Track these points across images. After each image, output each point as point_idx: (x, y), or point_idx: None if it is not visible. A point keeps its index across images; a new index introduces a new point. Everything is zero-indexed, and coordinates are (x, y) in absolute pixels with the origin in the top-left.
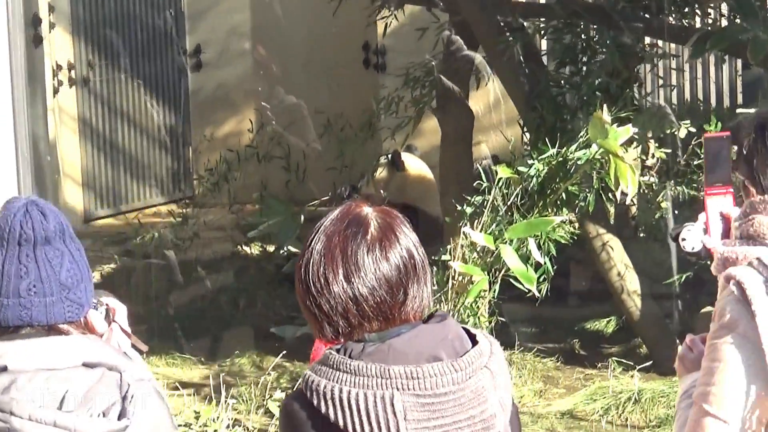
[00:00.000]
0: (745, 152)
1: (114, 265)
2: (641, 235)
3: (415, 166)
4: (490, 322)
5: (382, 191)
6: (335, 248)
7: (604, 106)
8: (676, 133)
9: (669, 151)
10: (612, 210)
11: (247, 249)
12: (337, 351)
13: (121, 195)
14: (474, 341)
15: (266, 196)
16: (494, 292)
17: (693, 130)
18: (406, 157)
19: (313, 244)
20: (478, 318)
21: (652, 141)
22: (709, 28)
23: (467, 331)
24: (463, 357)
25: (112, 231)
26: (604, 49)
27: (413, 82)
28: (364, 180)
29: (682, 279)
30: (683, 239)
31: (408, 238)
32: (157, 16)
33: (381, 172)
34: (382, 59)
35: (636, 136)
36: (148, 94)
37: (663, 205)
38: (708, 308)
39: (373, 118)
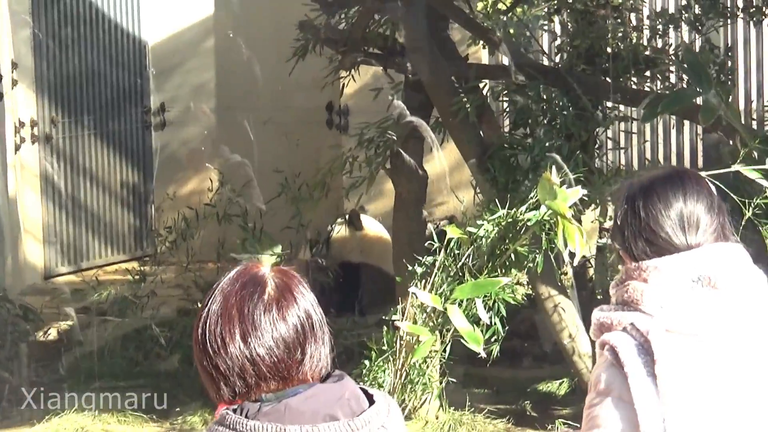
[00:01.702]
0: (618, 223)
1: (71, 322)
2: (599, 297)
3: (372, 226)
4: (440, 383)
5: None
6: (232, 308)
7: (553, 167)
8: None
9: None
10: (569, 271)
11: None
12: (234, 411)
13: (82, 252)
14: (371, 401)
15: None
16: (445, 352)
17: None
18: (363, 217)
19: (209, 304)
20: (428, 378)
21: (610, 203)
22: (664, 92)
23: (365, 391)
24: (359, 416)
25: (71, 288)
26: (564, 112)
27: (367, 143)
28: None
29: None
30: (600, 308)
31: (306, 298)
32: (121, 74)
33: (339, 232)
34: (345, 119)
35: (586, 198)
36: (112, 152)
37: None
38: None
39: (327, 178)
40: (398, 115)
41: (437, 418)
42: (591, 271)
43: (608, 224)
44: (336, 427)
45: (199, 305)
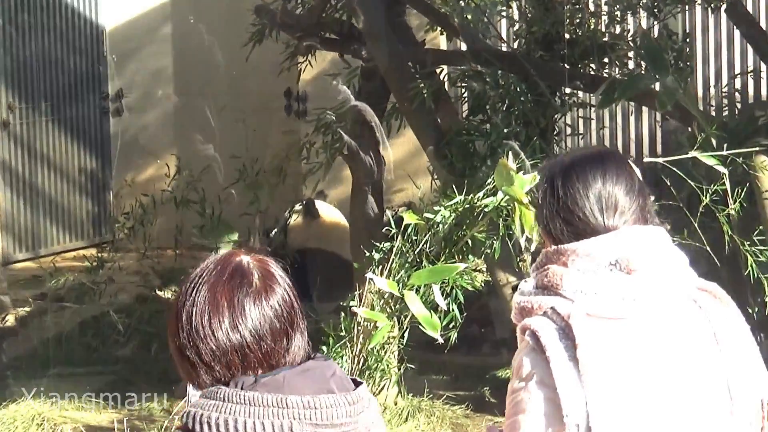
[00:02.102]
0: (539, 202)
1: (28, 309)
2: None
3: (329, 213)
4: (399, 369)
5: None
6: (221, 298)
7: (510, 153)
8: None
9: None
10: (528, 257)
11: (161, 293)
12: (225, 385)
13: (40, 238)
14: (354, 381)
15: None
16: (403, 338)
17: None
18: (320, 204)
19: (192, 293)
20: (386, 365)
21: None
22: (623, 78)
23: None
24: (353, 392)
25: (29, 274)
26: (521, 98)
27: (324, 129)
28: (279, 227)
29: None
30: (521, 291)
31: (285, 283)
32: (78, 60)
33: (296, 219)
34: (303, 105)
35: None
36: (69, 138)
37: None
38: None
39: (284, 164)
40: (343, 101)
41: (396, 405)
42: None
43: None
44: (335, 399)
45: (162, 292)
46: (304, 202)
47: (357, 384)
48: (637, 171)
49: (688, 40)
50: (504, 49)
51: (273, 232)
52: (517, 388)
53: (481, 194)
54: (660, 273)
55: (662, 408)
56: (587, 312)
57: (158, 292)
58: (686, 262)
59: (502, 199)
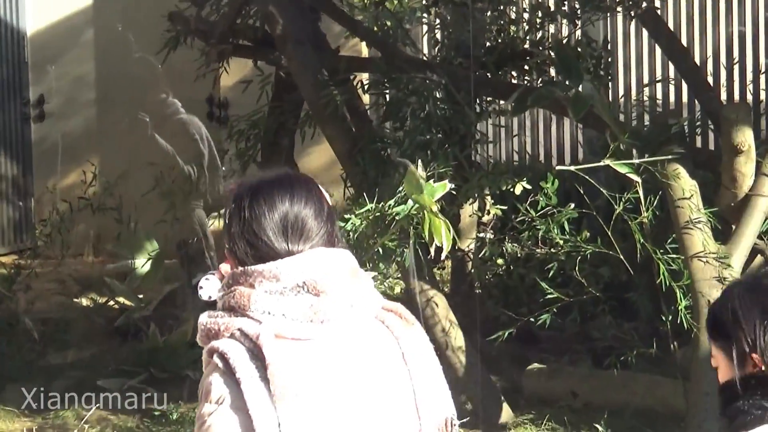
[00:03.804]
0: (226, 222)
1: None
2: (478, 290)
3: None
4: None
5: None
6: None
7: (419, 161)
8: (511, 189)
9: (504, 207)
10: (448, 264)
11: (78, 301)
12: None
13: None
14: None
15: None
16: None
17: (529, 186)
18: None
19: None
20: None
21: (488, 197)
22: (545, 85)
23: None
24: None
25: None
26: (439, 105)
27: (237, 135)
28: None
29: (506, 335)
30: (201, 287)
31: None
32: None
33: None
34: (224, 112)
35: (453, 192)
36: None
37: (499, 261)
38: (536, 365)
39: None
40: (171, 112)
41: None
42: (470, 265)
43: (486, 218)
44: None
45: (79, 300)
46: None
47: None
48: (327, 196)
49: (608, 47)
50: (420, 56)
51: (191, 240)
52: (206, 412)
53: (392, 202)
54: (347, 295)
55: (353, 428)
56: (276, 333)
57: (75, 300)
58: (372, 284)
59: (413, 207)
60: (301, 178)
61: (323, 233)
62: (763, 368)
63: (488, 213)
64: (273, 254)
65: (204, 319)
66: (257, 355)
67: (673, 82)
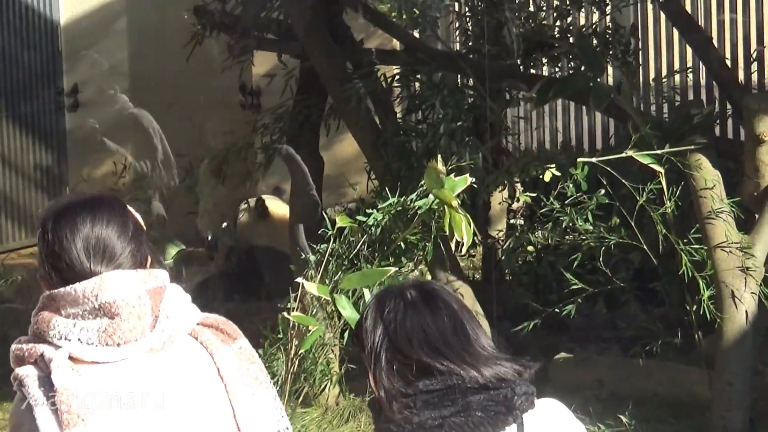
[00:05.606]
0: (37, 245)
1: None
2: (508, 278)
3: (280, 211)
4: (340, 369)
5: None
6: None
7: (439, 155)
8: (541, 176)
9: (534, 194)
10: (479, 251)
11: None
12: None
13: None
14: None
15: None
16: (344, 339)
17: (558, 174)
18: (271, 201)
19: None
20: (326, 365)
21: (518, 184)
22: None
23: None
24: None
25: None
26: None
27: (262, 129)
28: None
29: (530, 326)
30: (18, 339)
31: None
32: (33, 56)
33: (244, 217)
34: (257, 100)
35: (474, 186)
36: (24, 134)
37: (529, 248)
38: (563, 354)
39: (223, 164)
40: (121, 108)
41: (338, 405)
42: (500, 252)
43: (516, 205)
44: None
45: None
46: (256, 200)
47: None
48: (136, 214)
49: (637, 33)
50: (444, 47)
51: (223, 227)
52: None
53: (413, 196)
54: (146, 315)
55: None
56: (72, 357)
57: None
58: (188, 299)
59: (434, 201)
60: (106, 199)
61: (128, 253)
62: None
63: (518, 200)
64: (76, 276)
65: (14, 345)
66: (51, 382)
67: (702, 69)
